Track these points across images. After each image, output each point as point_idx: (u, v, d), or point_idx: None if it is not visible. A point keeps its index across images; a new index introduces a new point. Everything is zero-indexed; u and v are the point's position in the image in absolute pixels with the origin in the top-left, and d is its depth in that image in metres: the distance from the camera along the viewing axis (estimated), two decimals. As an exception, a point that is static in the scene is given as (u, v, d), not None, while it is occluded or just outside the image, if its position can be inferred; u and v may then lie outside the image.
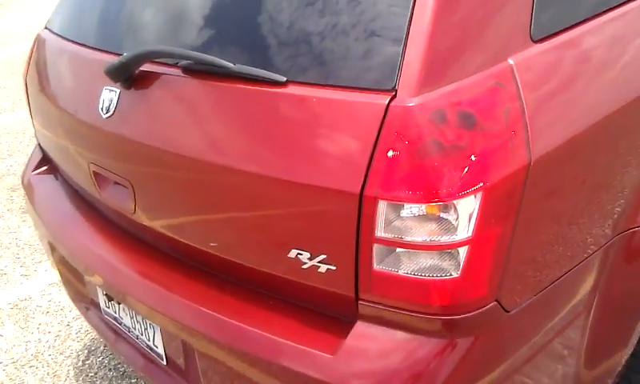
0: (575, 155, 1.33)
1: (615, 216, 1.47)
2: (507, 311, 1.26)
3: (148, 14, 1.70)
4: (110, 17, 1.79)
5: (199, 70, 1.48)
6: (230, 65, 1.38)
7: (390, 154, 1.17)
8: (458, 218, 1.16)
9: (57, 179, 2.23)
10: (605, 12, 1.48)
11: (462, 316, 1.21)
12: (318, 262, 1.30)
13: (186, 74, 1.51)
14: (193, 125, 1.48)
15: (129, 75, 1.60)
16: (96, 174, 1.80)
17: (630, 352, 1.61)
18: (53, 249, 2.09)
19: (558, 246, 1.34)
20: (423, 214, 1.17)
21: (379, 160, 1.18)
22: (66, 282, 2.18)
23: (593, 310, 1.47)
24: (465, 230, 1.16)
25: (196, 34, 1.54)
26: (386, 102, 1.19)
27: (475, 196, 1.15)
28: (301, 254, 1.32)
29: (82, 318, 2.95)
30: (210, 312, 1.47)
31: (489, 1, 1.26)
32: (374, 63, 1.23)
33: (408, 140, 1.16)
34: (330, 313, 1.36)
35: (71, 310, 3.07)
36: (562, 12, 1.39)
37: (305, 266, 1.32)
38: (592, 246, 1.43)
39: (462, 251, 1.17)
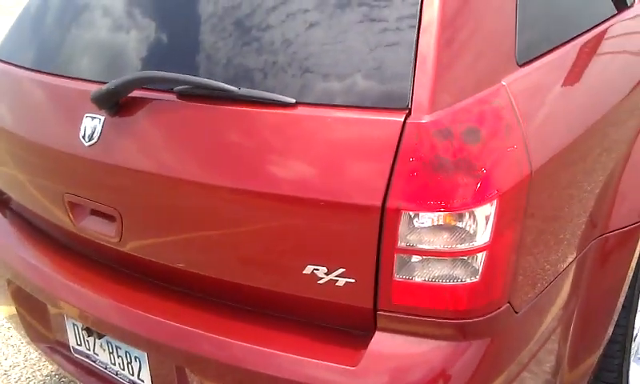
0: (564, 164, 1.46)
1: (593, 221, 1.61)
2: (516, 312, 1.35)
3: (123, 38, 1.68)
4: (86, 43, 1.76)
5: (197, 95, 1.49)
6: (235, 89, 1.41)
7: (411, 167, 1.24)
8: (476, 225, 1.24)
9: (5, 216, 2.12)
10: (574, 38, 1.66)
11: (481, 318, 1.28)
12: (336, 276, 1.33)
13: (182, 99, 1.51)
14: (193, 149, 1.48)
15: (116, 102, 1.58)
16: (72, 204, 1.74)
17: (601, 351, 1.74)
18: (14, 289, 1.98)
19: (552, 250, 1.46)
20: (444, 223, 1.24)
21: (400, 174, 1.24)
22: (25, 323, 2.06)
23: (575, 311, 1.59)
24: (483, 235, 1.24)
25: (187, 58, 1.54)
26: (402, 119, 1.26)
27: (491, 203, 1.24)
28: (317, 270, 1.34)
29: (21, 366, 2.78)
30: (217, 336, 1.45)
31: (479, 30, 1.38)
32: (386, 84, 1.30)
33: (427, 154, 1.23)
34: (343, 327, 1.39)
35: (7, 358, 2.87)
36: (540, 40, 1.55)
37: (321, 282, 1.35)
38: (577, 249, 1.56)
39: (481, 256, 1.25)
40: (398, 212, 1.24)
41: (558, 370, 1.58)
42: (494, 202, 1.24)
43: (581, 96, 1.61)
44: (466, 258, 1.25)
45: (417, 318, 1.30)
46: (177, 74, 1.51)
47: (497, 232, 1.25)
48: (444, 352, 1.29)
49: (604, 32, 1.83)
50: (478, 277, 1.26)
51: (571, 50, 1.63)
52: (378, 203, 1.25)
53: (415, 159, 1.23)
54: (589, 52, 1.70)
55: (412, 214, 1.24)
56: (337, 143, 1.31)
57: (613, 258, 1.67)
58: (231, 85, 1.42)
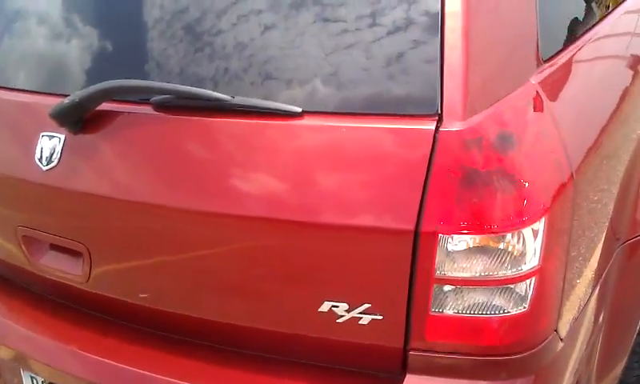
0: (595, 165, 1.32)
1: (615, 226, 1.48)
2: (561, 340, 1.20)
3: (86, 43, 1.45)
4: (42, 51, 1.51)
5: (178, 106, 1.27)
6: (228, 98, 1.20)
7: (449, 183, 1.06)
8: (525, 247, 1.07)
9: None
10: (590, 28, 1.53)
11: (527, 353, 1.11)
12: (359, 314, 1.14)
13: (160, 111, 1.29)
14: (175, 171, 1.27)
15: (79, 117, 1.34)
16: (27, 238, 1.48)
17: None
18: None
19: (588, 261, 1.31)
20: (489, 246, 1.07)
21: (435, 191, 1.06)
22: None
23: (602, 325, 1.46)
24: (533, 258, 1.08)
25: (162, 64, 1.33)
26: (433, 127, 1.08)
27: (541, 220, 1.08)
28: (336, 306, 1.15)
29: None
30: None
31: (505, 24, 1.24)
32: (411, 87, 1.13)
33: (468, 166, 1.06)
34: (366, 370, 1.20)
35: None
36: (559, 34, 1.43)
37: (341, 320, 1.15)
38: (607, 257, 1.42)
39: (531, 282, 1.09)
40: (434, 236, 1.07)
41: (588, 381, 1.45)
42: (544, 218, 1.08)
43: (602, 89, 1.49)
44: (512, 285, 1.09)
45: (453, 356, 1.12)
46: (155, 82, 1.29)
47: (547, 252, 1.09)
48: None
49: (618, 20, 1.73)
50: (526, 306, 1.09)
51: (589, 42, 1.51)
52: (410, 226, 1.07)
53: (453, 173, 1.06)
54: (606, 42, 1.58)
55: (451, 237, 1.07)
56: (354, 158, 1.13)
57: (637, 264, 1.54)
58: (220, 93, 1.21)
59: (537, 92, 1.22)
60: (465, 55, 1.11)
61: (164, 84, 1.28)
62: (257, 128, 1.20)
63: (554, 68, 1.32)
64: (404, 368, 1.15)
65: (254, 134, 1.20)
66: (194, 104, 1.25)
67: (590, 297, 1.34)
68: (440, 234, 1.06)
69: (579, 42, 1.48)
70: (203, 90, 1.23)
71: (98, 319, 1.47)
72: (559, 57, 1.36)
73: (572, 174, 1.18)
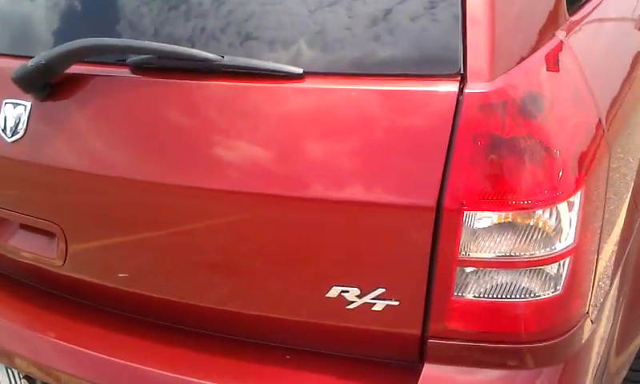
0: (623, 127, 1.21)
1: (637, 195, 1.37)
2: (592, 322, 1.09)
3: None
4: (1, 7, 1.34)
5: (159, 68, 1.12)
6: (218, 57, 1.05)
7: (476, 152, 0.93)
8: (560, 223, 0.95)
9: None
10: None
11: (558, 339, 1.01)
12: (373, 299, 1.02)
13: (138, 73, 1.14)
14: (158, 141, 1.12)
15: (47, 82, 1.18)
16: (-7, 219, 1.33)
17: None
18: None
19: (615, 236, 1.21)
20: (519, 224, 0.95)
21: (460, 161, 0.94)
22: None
23: (623, 297, 1.36)
24: (568, 236, 0.96)
25: (139, 20, 1.17)
26: (457, 89, 0.95)
27: (577, 192, 0.96)
28: (346, 292, 1.03)
29: None
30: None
31: None
32: (429, 44, 0.99)
33: (498, 133, 0.93)
34: (378, 359, 1.09)
35: None
36: None
37: (351, 306, 1.03)
38: (631, 231, 1.31)
39: (565, 262, 0.97)
40: (459, 212, 0.94)
41: (607, 358, 1.36)
42: (581, 189, 0.96)
43: (626, 45, 1.36)
44: (545, 266, 0.97)
45: (477, 344, 1.01)
46: (133, 41, 1.14)
47: (583, 228, 0.98)
48: None
49: None
50: (559, 288, 0.98)
51: None
52: (432, 202, 0.95)
53: (481, 141, 0.93)
54: None
55: (478, 214, 0.94)
56: (365, 125, 0.99)
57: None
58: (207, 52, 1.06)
59: (565, 48, 1.09)
60: (489, 7, 0.97)
61: (144, 42, 1.13)
62: (250, 92, 1.06)
63: (579, 21, 1.19)
64: (421, 357, 1.04)
65: (248, 99, 1.06)
66: (177, 65, 1.10)
67: (615, 272, 1.24)
68: (465, 211, 0.94)
69: None
70: (189, 49, 1.08)
71: (78, 305, 1.33)
72: (583, 9, 1.24)
73: (606, 139, 1.06)
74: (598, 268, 1.08)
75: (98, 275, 1.26)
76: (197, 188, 1.08)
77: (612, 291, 1.23)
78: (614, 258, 1.22)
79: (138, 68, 1.14)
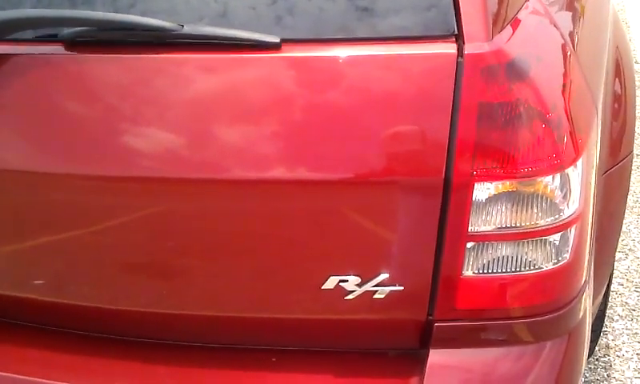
0: (601, 82, 1.19)
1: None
2: (589, 288, 1.07)
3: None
4: None
5: (102, 43, 0.96)
6: (174, 26, 0.91)
7: (482, 118, 0.87)
8: (569, 189, 0.91)
9: None
10: None
11: (564, 310, 0.97)
12: (375, 286, 0.93)
13: (74, 50, 0.97)
14: (103, 128, 0.97)
15: None
16: None
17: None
18: None
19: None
20: (531, 191, 0.89)
21: (466, 130, 0.87)
22: None
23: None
24: (575, 202, 0.92)
25: None
26: (455, 50, 0.87)
27: (583, 156, 0.92)
28: (344, 281, 0.93)
29: None
30: None
31: None
32: (417, 2, 0.91)
33: (504, 97, 0.87)
34: (380, 349, 1.01)
35: None
36: None
37: (351, 296, 0.94)
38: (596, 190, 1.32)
39: (572, 229, 0.93)
40: (468, 184, 0.88)
41: None
42: (585, 152, 0.92)
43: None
44: (555, 235, 0.93)
45: (485, 322, 0.96)
46: (67, 11, 0.96)
47: (586, 194, 0.95)
48: (523, 361, 0.97)
49: None
50: (567, 256, 0.94)
51: None
52: (439, 174, 0.87)
53: (488, 108, 0.87)
54: None
55: (489, 185, 0.88)
56: (356, 95, 0.90)
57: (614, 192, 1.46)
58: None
59: (544, 6, 1.05)
60: None
61: (81, 12, 0.96)
62: (217, 66, 0.93)
63: None
64: (425, 343, 0.97)
65: (214, 75, 0.93)
66: (123, 38, 0.95)
67: (593, 231, 1.23)
68: (475, 183, 0.88)
69: None
70: (139, 17, 0.92)
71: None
72: None
73: (592, 98, 1.04)
74: (592, 233, 1.06)
75: (11, 286, 1.08)
76: (179, 179, 0.94)
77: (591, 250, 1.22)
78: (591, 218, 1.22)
79: (74, 43, 0.96)
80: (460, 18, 0.89)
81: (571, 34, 1.12)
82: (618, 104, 1.50)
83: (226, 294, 1.00)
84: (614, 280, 2.20)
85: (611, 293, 2.13)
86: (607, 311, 2.05)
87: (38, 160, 1.00)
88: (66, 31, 0.95)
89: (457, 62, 0.87)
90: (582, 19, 1.29)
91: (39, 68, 1.00)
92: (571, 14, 1.21)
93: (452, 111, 0.87)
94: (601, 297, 1.50)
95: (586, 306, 1.06)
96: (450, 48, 0.88)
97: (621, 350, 1.97)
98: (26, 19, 0.97)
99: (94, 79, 0.98)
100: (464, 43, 0.88)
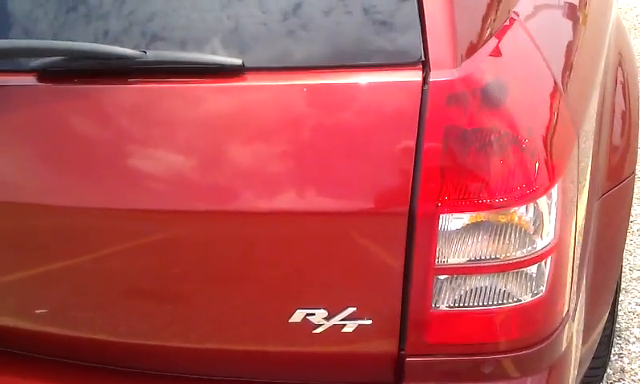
0: (586, 108, 1.15)
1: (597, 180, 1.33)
2: (573, 321, 1.03)
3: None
4: None
5: (70, 72, 0.96)
6: (137, 53, 0.90)
7: (449, 148, 0.84)
8: (541, 220, 0.88)
9: None
10: None
11: (544, 344, 0.93)
12: (342, 320, 0.91)
13: (44, 80, 0.97)
14: (74, 157, 0.97)
15: None
16: None
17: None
18: None
19: (581, 223, 1.15)
20: (500, 223, 0.86)
21: (431, 160, 0.84)
22: None
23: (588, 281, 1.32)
24: (550, 233, 0.89)
25: (42, 17, 1.00)
26: (420, 78, 0.85)
27: (555, 185, 0.89)
28: (312, 315, 0.91)
29: None
30: None
31: None
32: (382, 28, 0.89)
33: (471, 125, 0.84)
34: (352, 383, 0.98)
35: None
36: None
37: (319, 330, 0.92)
38: (590, 216, 1.27)
39: (548, 260, 0.90)
40: (434, 216, 0.85)
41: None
42: (560, 180, 0.89)
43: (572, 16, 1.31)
44: (527, 268, 0.89)
45: (459, 358, 0.93)
46: (36, 41, 0.97)
47: (562, 224, 0.91)
48: None
49: None
50: (543, 290, 0.91)
51: None
52: (403, 207, 0.85)
53: (454, 137, 0.84)
54: None
55: (455, 217, 0.85)
56: (321, 125, 0.88)
57: (612, 217, 1.40)
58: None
59: (522, 28, 1.02)
60: None
61: (48, 42, 0.96)
62: (180, 92, 0.92)
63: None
64: (399, 378, 0.94)
65: (176, 101, 0.93)
66: (91, 66, 0.94)
67: (583, 263, 1.18)
68: (441, 214, 0.85)
69: None
70: (104, 46, 0.92)
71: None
72: None
73: (572, 121, 1.00)
74: (574, 262, 1.02)
75: (13, 317, 1.09)
76: (124, 210, 0.94)
77: (582, 284, 1.17)
78: (581, 245, 1.17)
79: (44, 73, 0.97)
80: (427, 45, 0.86)
81: (556, 55, 1.08)
82: (621, 123, 1.45)
83: (193, 324, 0.98)
84: (631, 300, 2.14)
85: (627, 314, 2.07)
86: (623, 333, 1.98)
87: (16, 190, 1.01)
88: (36, 61, 0.96)
89: (422, 90, 0.85)
90: (573, 37, 1.25)
91: (10, 98, 1.01)
92: (559, 32, 1.18)
93: (417, 141, 0.84)
94: (602, 323, 1.44)
95: (571, 338, 1.02)
96: (416, 76, 0.85)
97: (637, 374, 1.90)
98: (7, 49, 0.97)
99: (63, 108, 0.98)
100: (430, 70, 0.86)
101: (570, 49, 1.18)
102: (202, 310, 0.98)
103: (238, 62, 0.89)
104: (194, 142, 0.92)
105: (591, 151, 1.21)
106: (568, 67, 1.10)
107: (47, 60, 0.95)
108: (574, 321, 1.03)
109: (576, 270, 1.03)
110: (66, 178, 0.98)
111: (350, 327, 0.91)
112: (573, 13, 1.33)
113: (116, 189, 0.95)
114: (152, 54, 0.91)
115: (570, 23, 1.32)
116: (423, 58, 0.86)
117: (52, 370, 1.10)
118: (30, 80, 0.97)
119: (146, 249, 0.97)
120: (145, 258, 0.97)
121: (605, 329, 1.55)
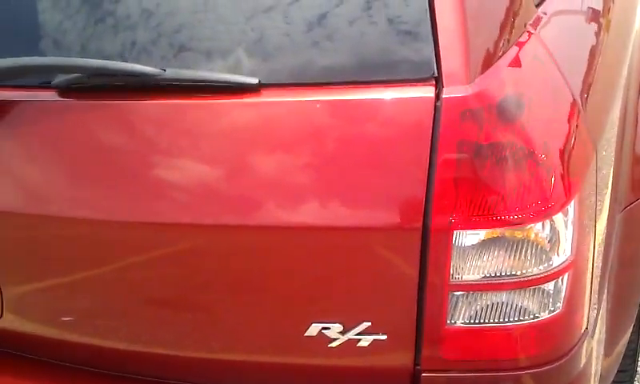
0: (604, 111, 1.13)
1: (619, 191, 1.31)
2: (592, 337, 1.02)
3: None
4: None
5: (91, 88, 0.98)
6: (157, 71, 0.92)
7: (461, 164, 0.84)
8: (558, 237, 0.87)
9: None
10: None
11: (562, 361, 0.92)
12: (357, 335, 0.91)
13: (66, 96, 1.00)
14: (94, 171, 0.99)
15: None
16: None
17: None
18: None
19: (601, 236, 1.13)
20: (515, 239, 0.86)
21: (445, 175, 0.84)
22: None
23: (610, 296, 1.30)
24: (566, 250, 0.88)
25: (64, 35, 1.03)
26: (433, 94, 0.85)
27: (571, 201, 0.88)
28: (327, 329, 0.92)
29: None
30: None
31: None
32: (396, 44, 0.89)
33: (483, 141, 0.84)
34: None
35: None
36: None
37: (334, 344, 0.92)
38: (612, 229, 1.25)
39: (566, 277, 0.89)
40: (448, 231, 0.85)
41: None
42: (577, 196, 0.88)
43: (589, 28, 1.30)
44: (544, 285, 0.88)
45: (475, 374, 0.92)
46: (59, 59, 1.00)
47: (580, 239, 0.90)
48: None
49: None
50: (560, 307, 0.90)
51: None
52: (417, 223, 0.85)
53: (467, 153, 0.84)
54: None
55: (469, 232, 0.85)
56: (334, 140, 0.89)
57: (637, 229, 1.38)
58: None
59: (538, 41, 1.01)
60: (459, 4, 0.88)
61: (70, 59, 0.98)
62: (197, 109, 0.94)
63: (546, 12, 1.12)
64: (413, 392, 0.95)
65: (194, 118, 0.94)
66: (111, 83, 0.97)
67: (604, 277, 1.17)
68: (455, 230, 0.85)
69: None
70: (124, 64, 0.94)
71: (22, 360, 1.18)
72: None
73: (590, 135, 0.99)
74: (593, 277, 1.01)
75: (42, 325, 1.12)
76: (146, 224, 0.96)
77: (603, 298, 1.16)
78: (600, 259, 1.15)
79: (66, 89, 0.99)
80: (440, 60, 0.87)
81: (575, 67, 1.07)
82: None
83: (211, 334, 1.00)
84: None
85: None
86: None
87: (37, 203, 1.03)
88: (58, 78, 0.99)
89: (434, 106, 0.85)
90: (595, 44, 1.24)
91: (35, 113, 1.03)
92: (579, 42, 1.17)
93: (430, 157, 0.84)
94: (626, 336, 1.42)
95: (591, 354, 1.01)
96: (429, 92, 0.85)
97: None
98: (21, 67, 1.00)
99: (86, 123, 1.00)
100: (443, 86, 0.86)
101: (590, 58, 1.17)
102: (221, 320, 0.99)
103: (254, 80, 0.90)
104: (213, 156, 0.94)
105: (613, 161, 1.20)
106: (587, 79, 1.09)
107: (69, 76, 0.97)
108: (593, 336, 1.02)
109: (595, 286, 1.02)
110: (89, 192, 1.01)
111: (365, 342, 0.91)
112: (595, 19, 1.31)
113: (138, 202, 0.97)
114: (171, 72, 0.93)
115: (591, 30, 1.30)
116: (436, 74, 0.86)
117: (74, 378, 1.13)
118: (53, 96, 1.00)
119: (166, 260, 0.98)
120: (165, 269, 0.99)
121: (630, 342, 1.53)
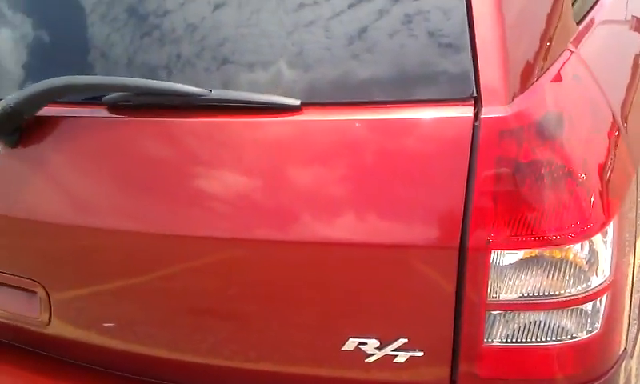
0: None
1: None
2: (631, 357, 1.01)
3: (18, 34, 1.17)
4: None
5: (138, 106, 1.01)
6: (203, 91, 0.95)
7: (499, 183, 0.84)
8: (597, 257, 0.87)
9: None
10: None
11: (600, 380, 0.92)
12: (394, 351, 0.92)
13: (116, 113, 1.03)
14: (141, 185, 1.02)
15: (16, 126, 1.07)
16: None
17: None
18: None
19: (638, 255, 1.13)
20: (554, 259, 0.86)
21: (482, 195, 0.85)
22: None
23: None
24: (605, 270, 0.88)
25: (114, 55, 1.06)
26: (472, 114, 0.86)
27: (611, 222, 0.87)
28: (364, 344, 0.93)
29: None
30: None
31: None
32: (435, 65, 0.90)
33: (522, 161, 0.84)
34: None
35: None
36: None
37: (371, 359, 0.94)
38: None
39: (604, 298, 0.89)
40: (485, 251, 0.85)
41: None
42: (616, 216, 0.88)
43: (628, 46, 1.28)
44: (582, 305, 0.88)
45: None
46: (109, 78, 1.03)
47: (619, 260, 0.90)
48: None
49: None
50: (598, 327, 0.89)
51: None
52: (454, 242, 0.86)
53: (505, 173, 0.84)
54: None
55: (506, 252, 0.85)
56: (374, 159, 0.90)
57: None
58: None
59: (579, 60, 1.01)
60: (499, 23, 0.88)
61: (120, 79, 1.02)
62: (242, 128, 0.96)
63: (586, 30, 1.11)
64: (448, 410, 0.95)
65: (239, 136, 0.96)
66: (158, 101, 1.00)
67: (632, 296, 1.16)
68: (493, 249, 0.85)
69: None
70: (171, 84, 0.98)
71: (66, 365, 1.22)
72: (588, 17, 1.16)
73: (631, 155, 0.98)
74: (633, 294, 1.00)
75: (85, 331, 1.15)
76: (189, 237, 0.99)
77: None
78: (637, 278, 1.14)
79: (115, 106, 1.03)
80: (479, 81, 0.87)
81: (616, 87, 1.07)
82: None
83: (250, 344, 1.02)
84: None
85: None
86: None
87: (86, 216, 1.07)
88: (109, 96, 1.02)
89: (473, 125, 0.86)
90: (635, 67, 1.22)
91: (87, 128, 1.07)
92: (621, 61, 1.16)
93: (468, 176, 0.85)
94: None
95: (630, 374, 1.00)
96: (467, 112, 0.86)
97: None
98: (74, 85, 1.04)
99: (134, 139, 1.03)
100: (482, 106, 0.86)
101: (630, 77, 1.16)
102: (259, 331, 1.01)
103: (296, 102, 0.92)
104: (255, 172, 0.95)
105: None
106: (628, 98, 1.08)
107: (118, 94, 1.01)
108: (632, 357, 1.01)
109: (635, 308, 1.01)
110: (135, 205, 1.04)
111: (401, 358, 0.92)
112: (637, 38, 1.30)
113: (180, 216, 0.99)
114: (216, 93, 0.95)
115: (632, 49, 1.29)
116: (475, 94, 0.87)
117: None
118: (101, 112, 1.04)
119: (208, 272, 1.01)
120: (206, 280, 1.01)
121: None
